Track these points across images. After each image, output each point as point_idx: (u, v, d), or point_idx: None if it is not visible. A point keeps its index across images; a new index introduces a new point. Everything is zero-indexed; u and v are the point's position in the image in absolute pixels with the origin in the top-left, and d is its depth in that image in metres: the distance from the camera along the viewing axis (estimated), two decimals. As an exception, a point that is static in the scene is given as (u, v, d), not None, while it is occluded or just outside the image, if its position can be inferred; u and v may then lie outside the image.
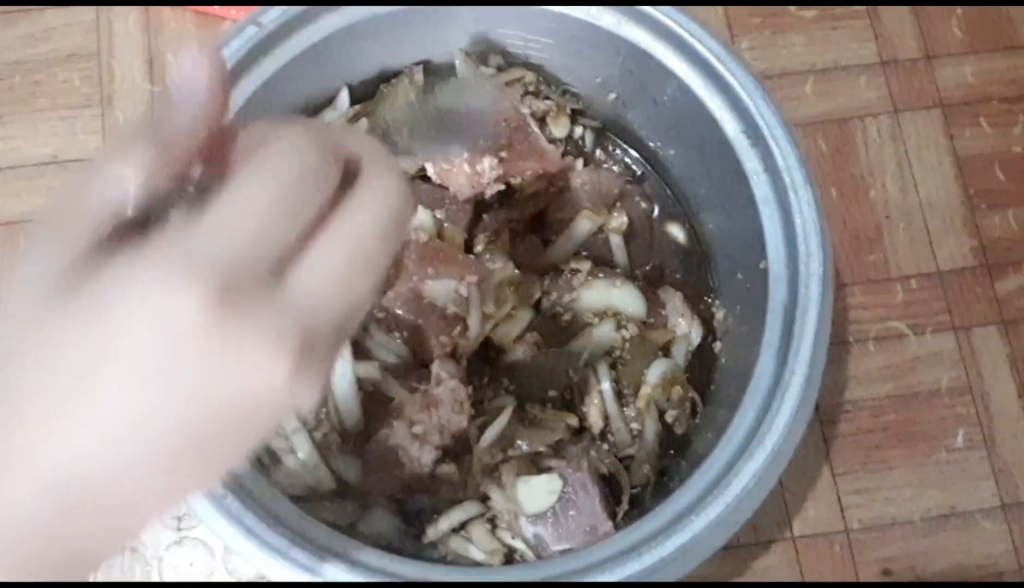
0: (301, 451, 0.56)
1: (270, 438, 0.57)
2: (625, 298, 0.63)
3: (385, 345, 0.60)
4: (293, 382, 0.26)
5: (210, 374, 0.26)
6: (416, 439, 0.57)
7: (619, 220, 0.67)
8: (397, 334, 0.61)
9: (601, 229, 0.66)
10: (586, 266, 0.64)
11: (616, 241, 0.67)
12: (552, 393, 0.61)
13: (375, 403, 0.59)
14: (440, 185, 0.63)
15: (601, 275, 0.64)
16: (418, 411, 0.57)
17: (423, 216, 0.63)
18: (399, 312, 0.59)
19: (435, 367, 0.59)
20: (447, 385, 0.57)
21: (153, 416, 0.26)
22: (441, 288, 0.59)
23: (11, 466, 0.26)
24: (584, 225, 0.65)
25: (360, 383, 0.58)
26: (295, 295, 0.27)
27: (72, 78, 0.77)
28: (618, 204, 0.68)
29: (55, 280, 0.26)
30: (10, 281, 0.27)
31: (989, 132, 0.80)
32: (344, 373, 0.57)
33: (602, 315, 0.63)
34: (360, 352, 0.59)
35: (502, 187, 0.63)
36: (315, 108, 0.66)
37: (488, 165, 0.61)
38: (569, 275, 0.64)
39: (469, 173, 0.61)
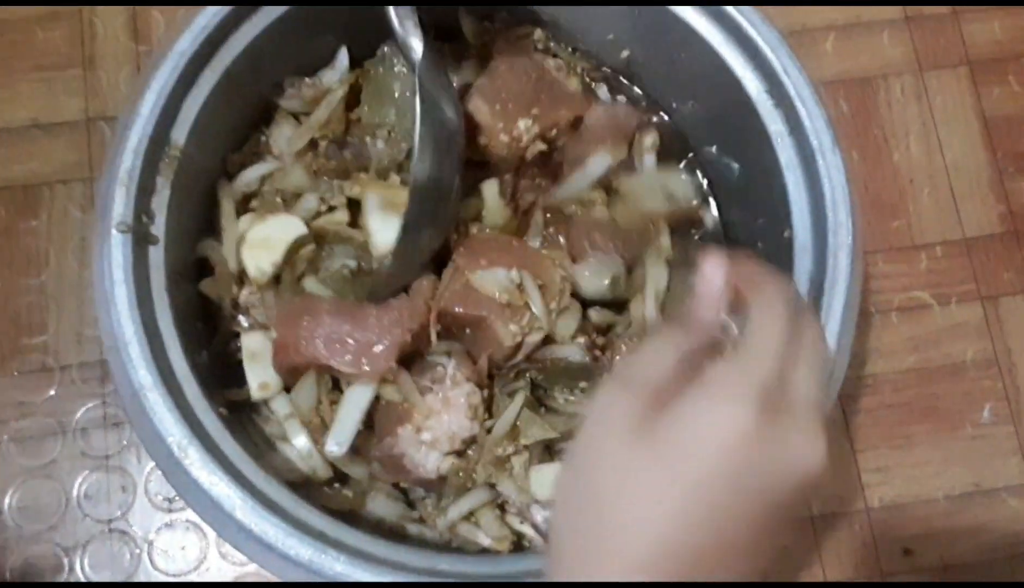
0: (296, 440, 0.53)
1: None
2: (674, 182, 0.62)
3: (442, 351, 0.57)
4: (827, 456, 0.35)
5: (770, 470, 0.34)
6: (423, 445, 0.53)
7: (652, 137, 0.63)
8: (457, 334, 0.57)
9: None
10: (600, 196, 0.61)
11: (650, 161, 0.64)
12: (583, 384, 0.57)
13: (381, 407, 0.55)
14: (480, 162, 0.59)
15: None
16: (426, 418, 0.53)
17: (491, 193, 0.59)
18: (458, 310, 0.55)
19: (451, 367, 0.55)
20: (463, 388, 0.54)
21: (721, 512, 0.34)
22: (491, 277, 0.55)
23: (610, 555, 0.34)
24: (601, 161, 0.61)
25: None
26: (800, 396, 0.36)
27: (53, 37, 0.73)
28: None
29: (631, 426, 0.35)
30: (589, 432, 0.37)
31: (1018, 91, 0.76)
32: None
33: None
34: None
35: (543, 146, 0.60)
36: (312, 69, 0.62)
37: (524, 126, 0.57)
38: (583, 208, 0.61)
39: (507, 141, 0.57)
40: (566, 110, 0.60)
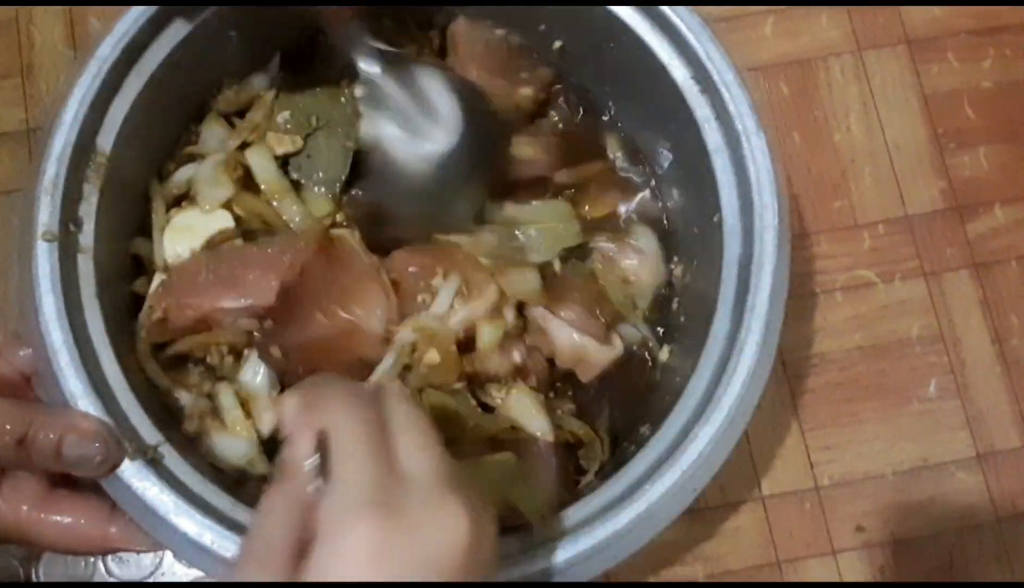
0: (232, 434, 0.53)
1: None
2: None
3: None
4: (477, 515, 0.36)
5: (419, 564, 0.34)
6: None
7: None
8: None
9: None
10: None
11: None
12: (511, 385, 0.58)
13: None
14: None
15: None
16: None
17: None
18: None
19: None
20: None
21: None
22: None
23: None
24: None
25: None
26: (415, 471, 0.37)
27: (-10, 47, 0.73)
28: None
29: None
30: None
31: (957, 68, 0.77)
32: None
33: None
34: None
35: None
36: (245, 72, 0.62)
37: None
38: None
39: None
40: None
